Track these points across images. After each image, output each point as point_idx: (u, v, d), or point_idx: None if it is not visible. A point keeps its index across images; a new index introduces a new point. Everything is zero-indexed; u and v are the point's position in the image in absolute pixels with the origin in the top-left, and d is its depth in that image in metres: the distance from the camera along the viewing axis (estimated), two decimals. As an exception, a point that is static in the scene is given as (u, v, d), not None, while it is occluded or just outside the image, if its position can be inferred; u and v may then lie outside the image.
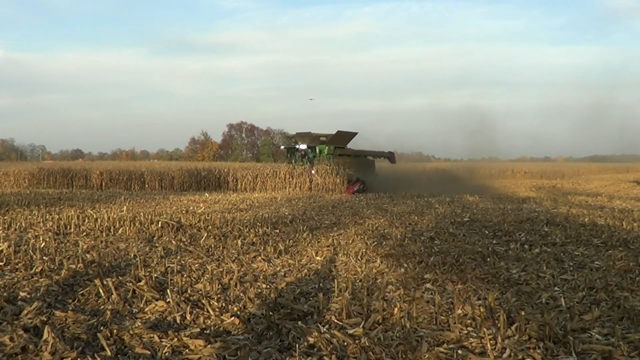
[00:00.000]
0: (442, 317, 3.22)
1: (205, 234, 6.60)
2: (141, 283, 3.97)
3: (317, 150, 24.16)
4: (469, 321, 3.14)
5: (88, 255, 5.11)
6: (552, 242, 6.03)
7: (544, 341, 2.77)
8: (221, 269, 4.67)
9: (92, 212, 9.02)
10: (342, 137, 24.54)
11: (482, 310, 3.22)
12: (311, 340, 2.83)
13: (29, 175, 24.39)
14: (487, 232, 6.96)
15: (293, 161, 24.77)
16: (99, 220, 7.69)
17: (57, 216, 8.49)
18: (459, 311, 3.29)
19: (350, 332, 2.96)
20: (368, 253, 5.49)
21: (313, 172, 22.88)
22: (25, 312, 3.24)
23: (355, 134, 25.02)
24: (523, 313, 2.98)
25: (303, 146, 24.63)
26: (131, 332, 2.93)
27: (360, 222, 8.34)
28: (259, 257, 5.30)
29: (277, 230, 7.26)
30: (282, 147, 28.75)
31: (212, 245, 5.92)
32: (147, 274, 4.31)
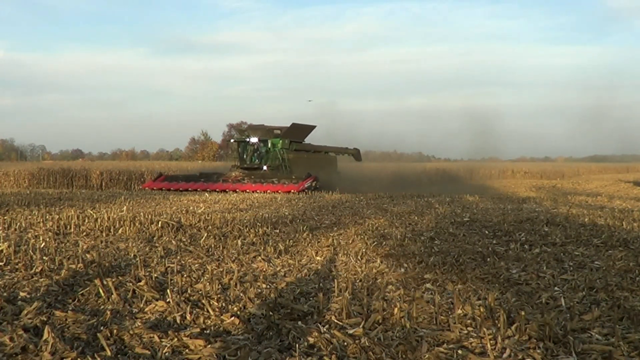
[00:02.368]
0: (442, 317, 3.22)
1: (205, 234, 6.60)
2: (141, 283, 3.97)
3: (270, 144, 21.73)
4: (469, 321, 3.14)
5: (88, 255, 5.11)
6: (552, 242, 6.03)
7: (544, 341, 2.76)
8: (221, 269, 4.67)
9: (92, 212, 9.02)
10: (299, 131, 22.30)
11: (482, 310, 3.22)
12: (311, 340, 2.83)
13: (29, 175, 24.41)
14: (487, 232, 6.96)
15: (245, 156, 22.33)
16: (99, 220, 7.68)
17: (57, 216, 8.49)
18: (459, 311, 3.29)
19: (350, 332, 2.96)
20: (368, 253, 5.49)
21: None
22: (25, 312, 3.24)
23: (313, 127, 22.95)
24: (523, 313, 2.98)
25: (254, 139, 21.93)
26: (131, 332, 2.93)
27: (360, 222, 8.33)
28: (259, 257, 5.30)
29: (277, 230, 7.26)
30: (231, 140, 25.19)
31: (212, 245, 5.92)
32: (147, 274, 4.31)
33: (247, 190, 19.06)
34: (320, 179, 19.94)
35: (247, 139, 22.33)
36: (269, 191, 18.69)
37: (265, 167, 21.25)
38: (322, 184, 19.72)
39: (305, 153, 22.87)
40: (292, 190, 18.20)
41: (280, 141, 21.66)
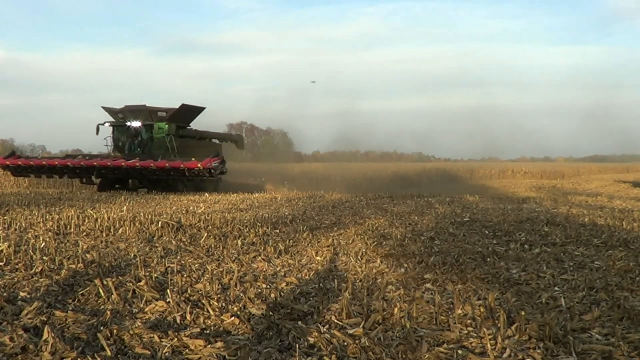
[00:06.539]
0: (442, 317, 3.22)
1: (205, 234, 6.60)
2: (141, 283, 3.97)
3: (155, 129, 18.48)
4: (469, 321, 3.14)
5: (88, 255, 5.11)
6: (552, 242, 6.03)
7: (544, 341, 2.77)
8: (221, 269, 4.67)
9: (92, 212, 9.01)
10: (187, 113, 19.02)
11: (482, 310, 3.22)
12: (311, 340, 2.83)
13: (29, 175, 24.33)
14: (487, 232, 6.96)
15: (120, 144, 18.94)
16: (99, 220, 7.68)
17: (57, 216, 8.49)
18: (459, 311, 3.29)
19: (350, 332, 2.96)
20: (368, 253, 5.49)
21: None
22: (25, 312, 3.24)
23: (202, 108, 19.46)
24: (523, 313, 2.98)
25: (136, 124, 18.50)
26: (131, 332, 2.93)
27: (360, 222, 8.33)
28: (259, 257, 5.30)
29: (277, 230, 7.26)
30: (105, 124, 19.19)
31: (212, 245, 5.92)
32: (147, 274, 4.31)
33: (138, 165, 16.37)
34: None
35: (126, 123, 18.78)
36: (167, 165, 16.23)
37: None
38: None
39: (190, 140, 19.47)
40: (199, 165, 15.93)
41: (167, 125, 18.39)
